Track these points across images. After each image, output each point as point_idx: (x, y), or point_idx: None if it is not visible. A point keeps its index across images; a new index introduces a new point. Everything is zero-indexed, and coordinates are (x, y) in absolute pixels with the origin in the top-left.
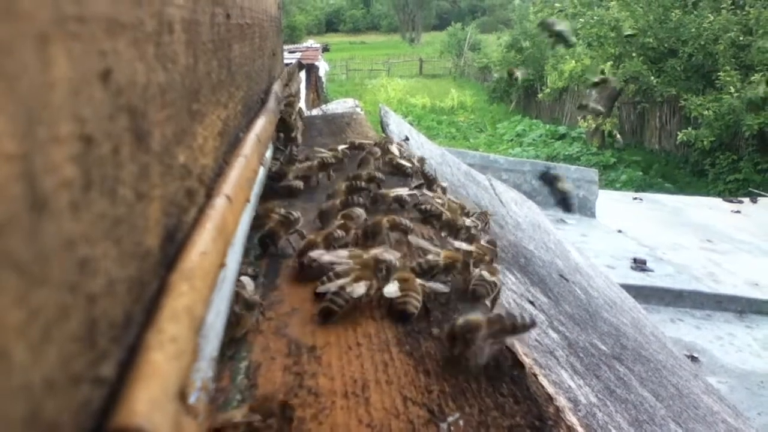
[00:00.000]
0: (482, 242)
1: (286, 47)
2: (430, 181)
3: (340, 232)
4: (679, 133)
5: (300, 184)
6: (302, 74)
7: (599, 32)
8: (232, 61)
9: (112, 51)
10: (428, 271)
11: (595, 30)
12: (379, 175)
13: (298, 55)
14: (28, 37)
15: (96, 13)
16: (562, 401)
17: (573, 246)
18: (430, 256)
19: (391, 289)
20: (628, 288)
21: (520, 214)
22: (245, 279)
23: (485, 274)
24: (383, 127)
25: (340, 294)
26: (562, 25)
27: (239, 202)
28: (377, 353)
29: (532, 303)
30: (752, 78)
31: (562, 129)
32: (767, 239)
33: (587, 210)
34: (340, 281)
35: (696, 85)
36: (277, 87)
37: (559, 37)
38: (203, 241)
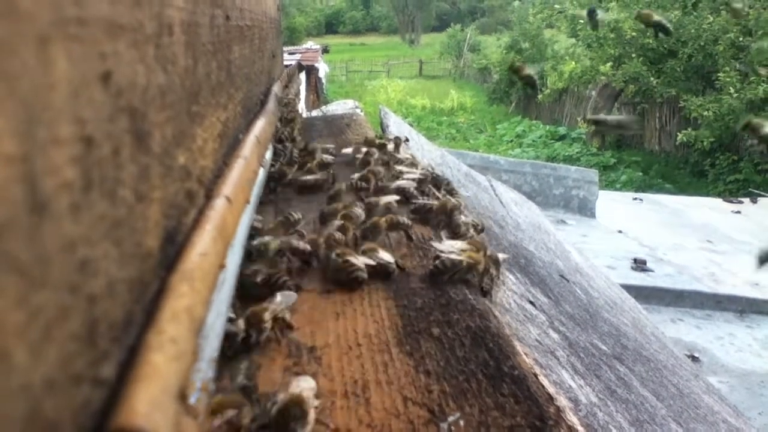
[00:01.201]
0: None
1: (285, 49)
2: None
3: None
4: (678, 133)
5: None
6: (302, 76)
7: (599, 33)
8: (231, 63)
9: (113, 53)
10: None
11: (595, 31)
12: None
13: (297, 56)
14: (29, 38)
15: (96, 15)
16: (562, 401)
17: (573, 246)
18: (452, 255)
19: (388, 257)
20: (629, 288)
21: (521, 214)
22: None
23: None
24: (383, 128)
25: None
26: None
27: (239, 204)
28: (377, 354)
29: (532, 303)
30: (752, 78)
31: (562, 130)
32: (767, 239)
33: (587, 210)
34: None
35: (696, 85)
36: (276, 88)
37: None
38: (203, 242)
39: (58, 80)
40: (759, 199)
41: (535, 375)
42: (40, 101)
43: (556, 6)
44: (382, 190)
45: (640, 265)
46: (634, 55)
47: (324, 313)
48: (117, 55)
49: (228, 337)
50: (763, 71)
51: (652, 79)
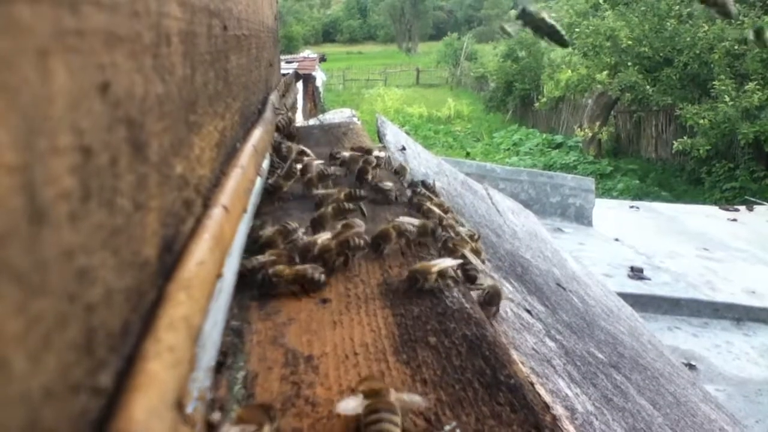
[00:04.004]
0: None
1: (283, 57)
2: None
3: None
4: (675, 141)
5: None
6: (299, 84)
7: (595, 42)
8: (229, 72)
9: (111, 63)
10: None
11: (591, 40)
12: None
13: (295, 65)
14: (29, 50)
15: (94, 26)
16: (559, 410)
17: (570, 255)
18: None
19: None
20: (626, 296)
21: (517, 223)
22: None
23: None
24: (380, 136)
25: None
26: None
27: (236, 212)
28: (374, 362)
29: (529, 312)
30: (747, 87)
31: (558, 138)
32: (763, 247)
33: (584, 218)
34: None
35: (691, 93)
36: (273, 97)
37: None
38: (201, 251)
39: (57, 92)
40: (755, 206)
41: (532, 384)
42: (40, 112)
43: (552, 15)
44: None
45: (636, 273)
46: (630, 64)
47: (321, 322)
48: (115, 66)
49: None
50: (750, 84)
51: (648, 87)
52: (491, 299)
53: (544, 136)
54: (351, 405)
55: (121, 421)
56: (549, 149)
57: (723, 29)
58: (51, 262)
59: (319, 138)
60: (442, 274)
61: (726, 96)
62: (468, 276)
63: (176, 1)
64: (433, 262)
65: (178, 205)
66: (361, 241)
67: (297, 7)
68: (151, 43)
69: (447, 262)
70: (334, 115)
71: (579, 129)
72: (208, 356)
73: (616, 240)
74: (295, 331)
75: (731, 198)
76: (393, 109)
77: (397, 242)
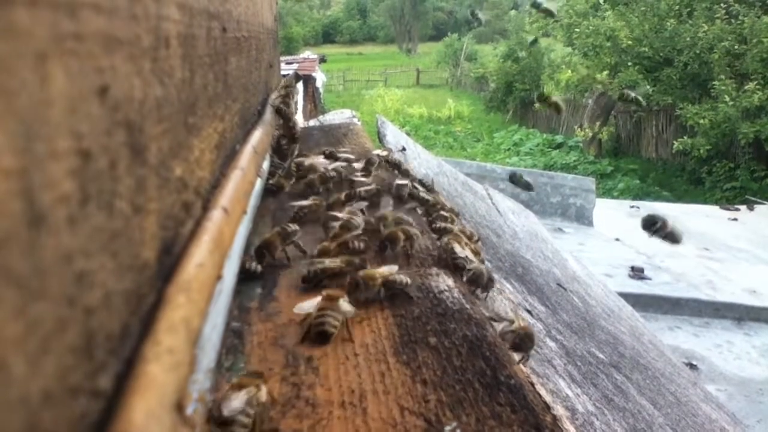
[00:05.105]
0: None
1: (283, 58)
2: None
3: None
4: (675, 141)
5: None
6: (299, 85)
7: (595, 42)
8: (228, 74)
9: (109, 67)
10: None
11: (591, 40)
12: None
13: (295, 66)
14: (27, 54)
15: (93, 30)
16: (559, 410)
17: (570, 255)
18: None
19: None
20: (626, 296)
21: (518, 223)
22: None
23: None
24: (380, 137)
25: None
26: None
27: (236, 214)
28: (374, 363)
29: (529, 312)
30: (747, 86)
31: (558, 138)
32: (764, 247)
33: (585, 219)
34: None
35: (692, 93)
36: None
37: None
38: (200, 253)
39: (55, 96)
40: (756, 206)
41: (532, 384)
42: (38, 117)
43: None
44: None
45: (637, 273)
46: (630, 64)
47: None
48: (114, 70)
49: None
50: (750, 84)
51: (648, 87)
52: (521, 343)
53: (545, 136)
54: (306, 306)
55: (121, 423)
56: (549, 149)
57: (723, 29)
58: (50, 266)
59: (319, 139)
60: (387, 283)
61: (726, 96)
62: (456, 266)
63: (175, 3)
64: (379, 269)
65: (177, 208)
66: (361, 244)
67: (297, 9)
68: (149, 46)
69: (393, 269)
70: (335, 116)
71: (579, 129)
72: (208, 358)
73: (617, 240)
74: (296, 332)
75: (732, 198)
76: (393, 110)
77: (405, 245)
